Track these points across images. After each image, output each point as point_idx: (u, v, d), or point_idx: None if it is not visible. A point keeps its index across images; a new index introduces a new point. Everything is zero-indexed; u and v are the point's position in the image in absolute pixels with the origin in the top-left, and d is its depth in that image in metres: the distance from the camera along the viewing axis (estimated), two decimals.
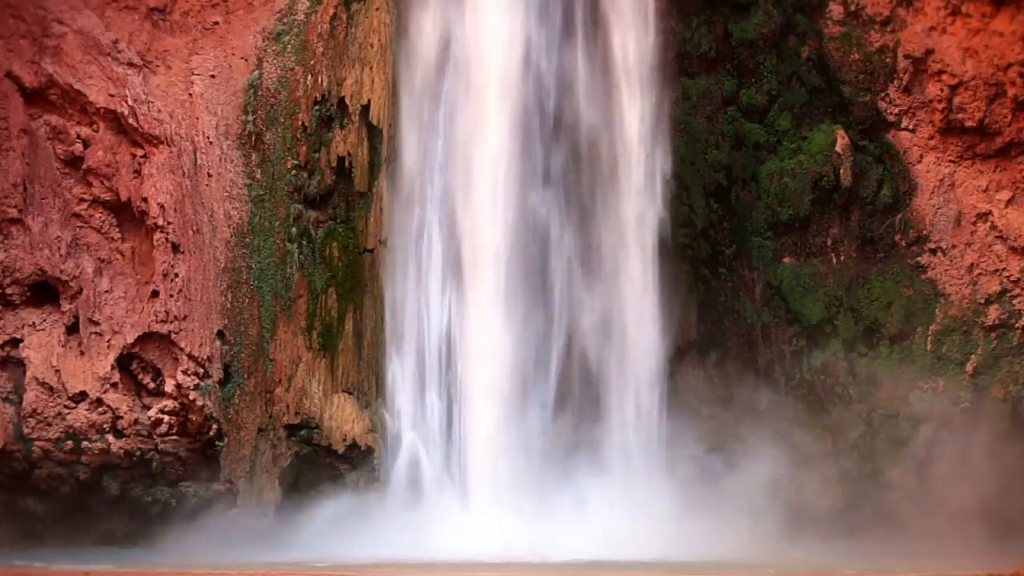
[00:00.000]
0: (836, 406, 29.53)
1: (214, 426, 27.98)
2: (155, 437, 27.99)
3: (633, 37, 28.35)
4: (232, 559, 25.01)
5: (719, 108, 30.16)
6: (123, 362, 28.14)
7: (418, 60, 28.61)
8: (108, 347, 28.02)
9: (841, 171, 29.83)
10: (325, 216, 28.87)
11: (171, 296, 27.91)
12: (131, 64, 28.56)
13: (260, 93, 29.00)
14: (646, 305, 28.00)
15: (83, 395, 27.93)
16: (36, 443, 27.78)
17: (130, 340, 28.02)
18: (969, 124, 29.66)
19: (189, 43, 29.14)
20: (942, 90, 29.70)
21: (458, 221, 28.13)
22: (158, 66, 28.91)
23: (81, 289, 28.04)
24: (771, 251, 30.01)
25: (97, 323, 27.99)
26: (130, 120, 28.15)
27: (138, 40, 28.82)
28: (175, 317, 27.90)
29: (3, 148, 27.95)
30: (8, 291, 27.95)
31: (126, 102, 28.16)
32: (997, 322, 29.66)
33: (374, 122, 28.83)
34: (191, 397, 27.83)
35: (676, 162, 29.53)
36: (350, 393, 28.40)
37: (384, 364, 28.36)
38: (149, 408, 28.12)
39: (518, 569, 23.24)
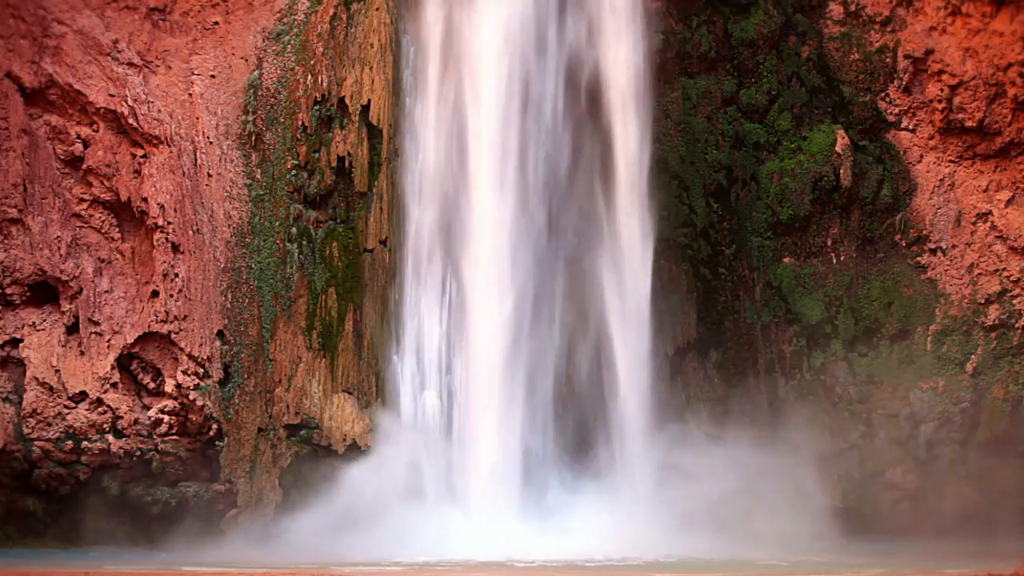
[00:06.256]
0: (836, 406, 29.52)
1: (214, 426, 27.99)
2: (155, 437, 28.00)
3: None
4: (232, 559, 25.03)
5: (719, 108, 30.16)
6: (123, 362, 28.15)
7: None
8: (108, 347, 28.02)
9: (841, 171, 29.83)
10: (325, 216, 28.87)
11: (171, 296, 27.91)
12: (131, 64, 28.56)
13: (260, 93, 29.01)
14: (643, 305, 28.03)
15: (83, 395, 27.93)
16: (36, 443, 27.79)
17: (130, 340, 28.02)
18: (969, 124, 29.66)
19: (189, 43, 29.14)
20: (942, 90, 29.69)
21: (457, 222, 28.16)
22: (158, 66, 28.91)
23: (81, 289, 28.04)
24: (771, 251, 30.01)
25: (97, 323, 28.00)
26: (130, 120, 28.15)
27: (138, 40, 28.83)
28: (175, 317, 27.90)
29: (3, 148, 27.96)
30: (8, 291, 27.96)
31: (126, 102, 28.16)
32: (997, 322, 29.65)
33: (374, 122, 28.84)
34: (191, 397, 27.84)
35: (676, 162, 29.56)
36: (350, 393, 28.40)
37: (384, 364, 28.37)
38: (149, 408, 28.12)
39: (517, 570, 23.24)
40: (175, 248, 28.03)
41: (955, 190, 30.13)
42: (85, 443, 27.88)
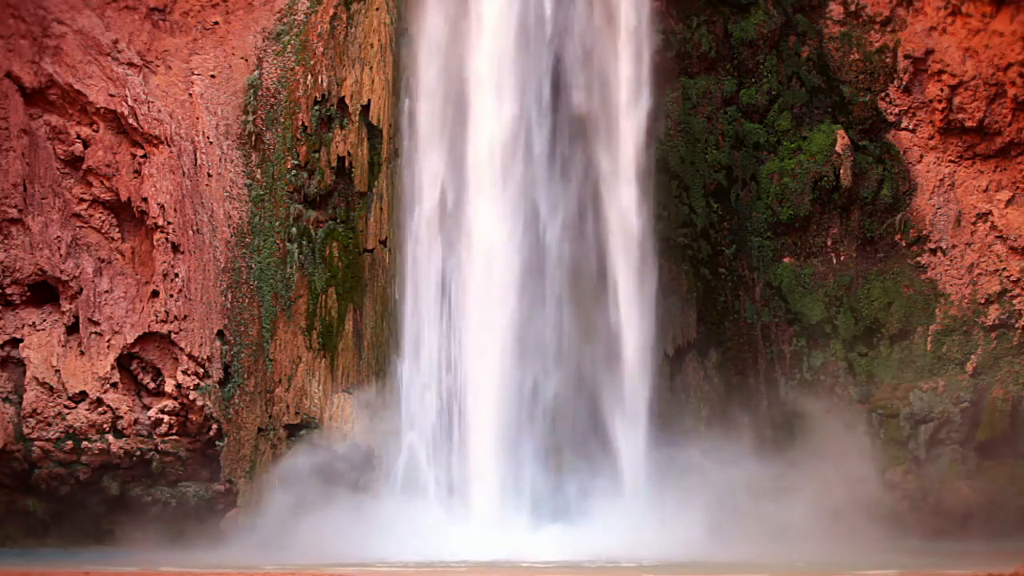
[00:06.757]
0: (836, 406, 29.52)
1: (214, 426, 27.99)
2: (155, 437, 28.00)
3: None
4: (232, 559, 25.02)
5: (719, 108, 30.16)
6: (123, 362, 28.16)
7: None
8: (108, 347, 28.02)
9: (841, 171, 29.84)
10: (325, 216, 28.88)
11: (171, 296, 27.92)
12: (131, 64, 28.56)
13: (260, 93, 29.01)
14: (643, 304, 28.01)
15: (83, 395, 27.94)
16: (36, 443, 27.79)
17: (130, 340, 28.03)
18: (969, 124, 29.66)
19: (189, 43, 29.15)
20: (942, 90, 29.70)
21: (458, 221, 28.15)
22: (158, 66, 28.92)
23: (81, 289, 28.04)
24: (771, 251, 30.01)
25: (97, 323, 28.00)
26: (130, 120, 28.16)
27: (138, 40, 28.83)
28: (175, 317, 27.90)
29: (3, 148, 27.97)
30: (8, 291, 27.97)
31: (126, 102, 28.17)
32: (997, 322, 29.65)
33: (374, 122, 28.84)
34: (191, 397, 27.84)
35: (676, 162, 29.55)
36: (350, 393, 28.40)
37: (384, 364, 28.35)
38: (149, 408, 28.13)
39: (519, 570, 23.23)
40: (175, 248, 28.03)
41: (955, 190, 30.13)
42: (85, 443, 27.88)
